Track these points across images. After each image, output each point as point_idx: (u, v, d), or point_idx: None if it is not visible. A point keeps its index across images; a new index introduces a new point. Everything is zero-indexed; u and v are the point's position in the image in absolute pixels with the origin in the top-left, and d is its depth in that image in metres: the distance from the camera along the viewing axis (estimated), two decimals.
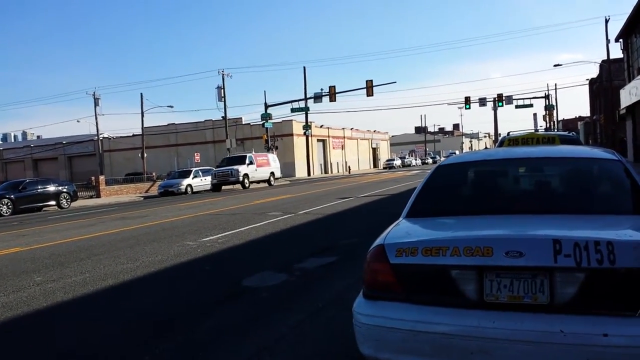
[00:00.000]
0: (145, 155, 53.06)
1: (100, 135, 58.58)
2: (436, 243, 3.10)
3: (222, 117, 50.55)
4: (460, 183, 4.36)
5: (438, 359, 2.93)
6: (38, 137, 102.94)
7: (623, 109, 35.00)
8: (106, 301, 6.71)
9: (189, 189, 35.98)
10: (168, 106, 54.95)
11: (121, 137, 70.54)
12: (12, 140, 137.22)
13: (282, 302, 6.01)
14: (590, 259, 2.74)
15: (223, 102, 49.23)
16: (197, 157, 47.29)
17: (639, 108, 30.48)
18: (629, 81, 32.76)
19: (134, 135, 66.88)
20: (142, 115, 52.58)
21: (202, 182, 37.58)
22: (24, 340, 5.40)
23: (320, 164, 70.40)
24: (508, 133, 12.57)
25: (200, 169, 39.09)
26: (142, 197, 37.74)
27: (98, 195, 39.20)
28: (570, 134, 11.63)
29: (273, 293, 6.44)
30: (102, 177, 41.52)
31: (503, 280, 2.90)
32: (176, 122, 68.53)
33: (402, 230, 3.56)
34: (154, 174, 50.13)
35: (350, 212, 15.78)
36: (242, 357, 4.41)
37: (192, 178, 36.91)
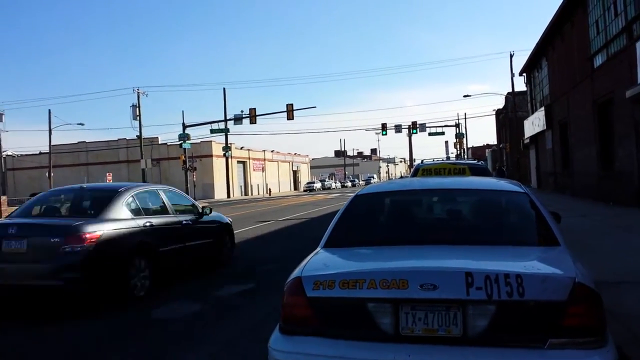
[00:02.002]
0: (52, 174, 50.13)
1: (3, 153, 54.73)
2: (353, 275, 3.05)
3: (137, 136, 48.85)
4: (377, 213, 4.38)
5: None
6: None
7: (527, 138, 37.42)
8: None
9: None
10: (78, 124, 52.26)
11: (26, 155, 66.32)
12: None
13: (193, 334, 5.72)
14: (500, 292, 2.79)
15: (138, 121, 47.64)
16: (109, 177, 45.33)
17: (541, 138, 32.67)
18: (532, 113, 35.12)
19: (40, 154, 63.05)
20: (50, 133, 49.78)
21: None
22: None
23: (241, 186, 69.61)
24: (422, 161, 13.03)
25: None
26: None
27: None
28: (479, 163, 12.22)
29: (183, 325, 6.11)
30: (4, 198, 38.57)
31: (418, 313, 2.90)
32: (87, 141, 65.49)
33: (320, 261, 3.50)
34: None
35: (269, 236, 15.60)
36: None
37: None
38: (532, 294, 2.77)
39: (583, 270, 3.05)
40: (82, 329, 6.13)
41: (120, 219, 7.41)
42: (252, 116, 44.30)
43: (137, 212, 7.84)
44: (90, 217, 7.34)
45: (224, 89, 57.06)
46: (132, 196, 7.96)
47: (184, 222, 8.87)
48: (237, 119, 45.94)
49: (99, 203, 7.73)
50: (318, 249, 3.86)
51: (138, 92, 47.91)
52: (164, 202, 8.74)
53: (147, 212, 8.16)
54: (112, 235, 7.08)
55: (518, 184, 4.34)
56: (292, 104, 42.77)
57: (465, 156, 69.17)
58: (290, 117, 42.87)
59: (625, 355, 4.22)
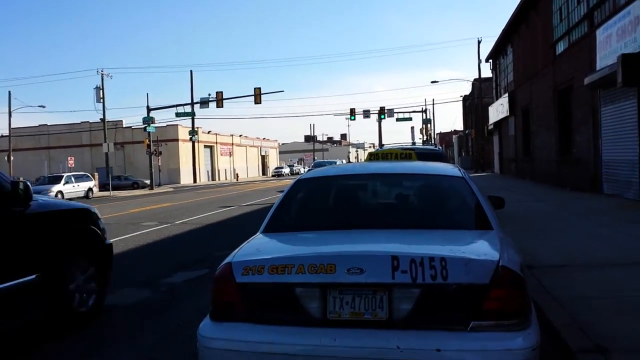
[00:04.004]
0: (12, 158, 48.67)
1: None
2: (282, 261, 3.03)
3: (101, 119, 47.71)
4: (316, 198, 4.36)
5: None
6: None
7: (491, 124, 37.94)
8: None
9: (59, 195, 33.41)
10: (39, 106, 50.86)
11: None
12: None
13: (141, 322, 5.63)
14: (424, 275, 2.80)
15: (102, 104, 46.48)
16: (71, 162, 44.12)
17: (504, 124, 33.19)
18: (496, 99, 35.60)
19: (1, 136, 61.11)
20: (10, 115, 48.21)
21: (75, 188, 35.09)
22: None
23: (207, 171, 68.85)
24: (381, 146, 13.14)
25: (73, 175, 36.49)
26: None
27: None
28: (437, 149, 12.33)
29: (132, 312, 6.03)
30: None
31: (345, 297, 2.89)
32: (49, 124, 63.64)
33: (253, 247, 3.47)
34: (21, 179, 45.95)
35: (230, 221, 15.48)
36: None
37: (64, 184, 34.29)
38: (455, 277, 2.78)
39: (511, 254, 3.07)
40: None
41: None
42: (219, 100, 43.64)
43: None
44: None
45: (191, 71, 56.23)
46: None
47: None
48: (204, 103, 45.20)
49: None
50: (257, 233, 3.84)
51: (102, 74, 46.65)
52: None
53: None
54: None
55: (457, 169, 4.36)
56: (259, 88, 42.23)
57: (433, 141, 69.83)
58: (257, 101, 42.40)
59: (561, 338, 4.32)
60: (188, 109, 49.30)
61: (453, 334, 2.74)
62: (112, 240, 11.85)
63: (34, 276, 4.82)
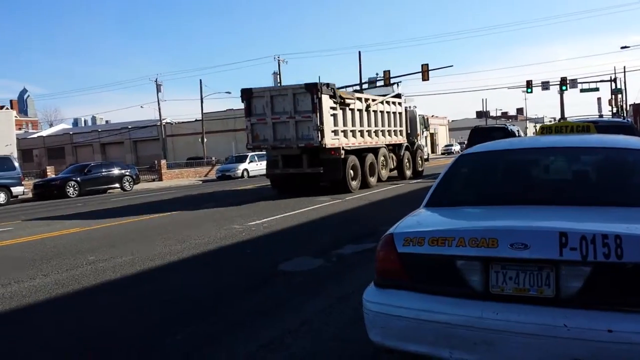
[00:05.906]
0: (205, 140, 54.40)
1: (163, 121, 60.35)
2: (442, 233, 3.10)
3: None
4: (480, 173, 4.29)
5: (441, 348, 2.95)
6: (107, 121, 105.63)
7: None
8: (149, 282, 7.03)
9: (245, 173, 36.73)
10: (226, 92, 56.24)
11: (183, 122, 72.36)
12: (83, 125, 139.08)
13: (314, 287, 6.13)
14: (596, 253, 2.67)
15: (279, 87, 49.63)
16: None
17: None
18: None
19: (195, 120, 68.44)
20: (202, 101, 53.98)
21: (258, 166, 38.12)
22: (67, 317, 5.76)
23: None
24: (559, 119, 12.22)
25: (256, 154, 39.65)
26: (200, 180, 38.87)
27: (160, 179, 40.60)
28: (624, 121, 11.11)
29: (306, 278, 6.57)
30: (163, 162, 42.94)
31: (509, 272, 2.87)
32: (234, 108, 69.52)
33: (414, 220, 3.58)
34: (213, 158, 51.30)
35: (399, 197, 15.72)
36: (265, 339, 4.55)
37: (248, 163, 37.58)
38: (632, 256, 2.61)
39: None
40: None
41: None
42: (387, 78, 43.73)
43: None
44: None
45: (359, 52, 56.88)
46: None
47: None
48: (371, 82, 45.81)
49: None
50: (420, 208, 3.94)
51: (279, 60, 49.90)
52: None
53: None
54: None
55: None
56: (427, 64, 41.50)
57: (625, 114, 62.36)
58: (425, 77, 41.75)
59: None
60: (357, 88, 50.27)
61: (626, 315, 2.59)
62: (291, 213, 12.81)
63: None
